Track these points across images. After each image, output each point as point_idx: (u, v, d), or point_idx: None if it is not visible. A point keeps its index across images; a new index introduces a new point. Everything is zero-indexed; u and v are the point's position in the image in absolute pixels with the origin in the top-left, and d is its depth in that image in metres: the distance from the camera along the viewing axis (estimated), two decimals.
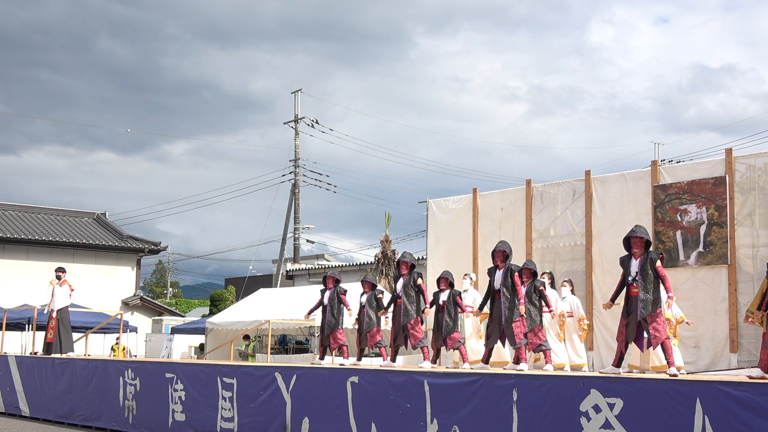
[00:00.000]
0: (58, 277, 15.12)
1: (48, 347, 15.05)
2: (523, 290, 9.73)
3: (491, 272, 9.85)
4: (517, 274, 9.64)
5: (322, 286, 11.65)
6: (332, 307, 11.21)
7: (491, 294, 9.81)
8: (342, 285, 11.45)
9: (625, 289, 8.21)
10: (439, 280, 10.63)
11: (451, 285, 10.55)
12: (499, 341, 9.91)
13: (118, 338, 25.90)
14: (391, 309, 10.72)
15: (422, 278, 10.62)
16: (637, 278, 7.95)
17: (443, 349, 10.68)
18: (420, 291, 10.41)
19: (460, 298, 10.53)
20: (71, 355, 14.96)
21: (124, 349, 25.26)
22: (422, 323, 10.57)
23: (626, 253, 8.24)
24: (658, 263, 7.93)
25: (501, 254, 9.73)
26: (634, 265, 8.04)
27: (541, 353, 9.94)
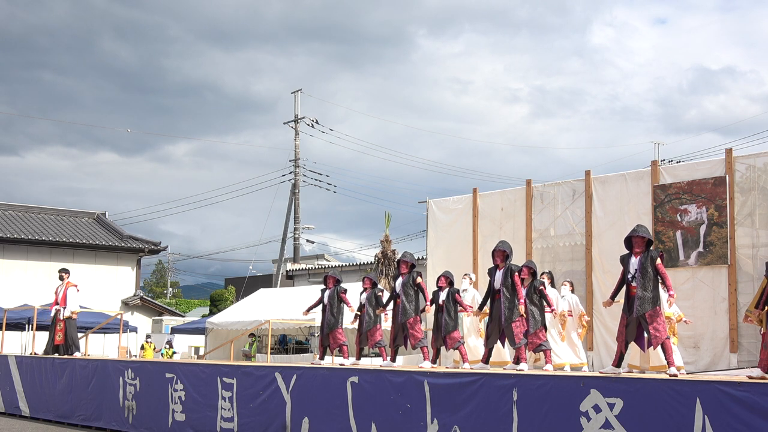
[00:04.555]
0: (61, 278, 15.05)
1: (56, 349, 14.93)
2: (523, 290, 9.72)
3: (491, 272, 9.85)
4: (517, 274, 9.63)
5: (323, 286, 11.66)
6: (332, 306, 11.20)
7: (491, 294, 9.81)
8: (342, 285, 11.45)
9: (625, 287, 8.20)
10: (438, 279, 10.63)
11: (450, 284, 10.54)
12: (498, 341, 9.92)
13: (148, 336, 26.17)
14: (390, 307, 10.72)
15: (422, 277, 10.61)
16: (636, 275, 7.94)
17: (443, 348, 10.68)
18: (420, 289, 10.40)
19: (459, 296, 10.51)
20: (77, 355, 14.92)
21: (155, 349, 25.52)
22: (421, 322, 10.56)
23: (627, 252, 8.24)
24: (658, 261, 7.93)
25: (501, 254, 9.73)
26: (634, 263, 8.03)
27: (541, 353, 9.93)
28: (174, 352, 25.75)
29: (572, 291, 12.65)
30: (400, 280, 10.43)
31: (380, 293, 11.14)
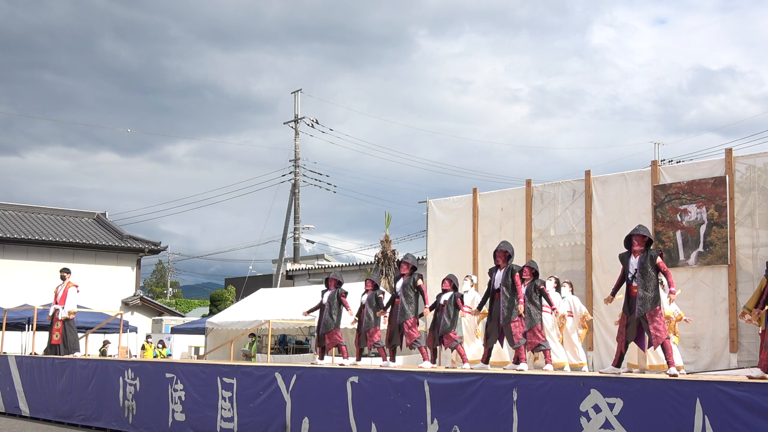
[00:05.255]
0: (63, 278, 15.03)
1: (53, 349, 14.92)
2: (523, 290, 9.72)
3: (492, 272, 9.85)
4: (517, 274, 9.63)
5: (324, 287, 11.66)
6: (330, 307, 11.22)
7: (491, 293, 9.81)
8: (344, 287, 11.46)
9: (625, 287, 8.20)
10: (443, 282, 10.64)
11: (454, 288, 10.55)
12: (498, 341, 9.91)
13: (148, 336, 26.21)
14: (389, 309, 10.72)
15: (422, 279, 10.61)
16: (636, 276, 7.94)
17: (442, 348, 10.68)
18: (420, 291, 10.41)
19: (461, 301, 10.51)
20: (77, 355, 14.91)
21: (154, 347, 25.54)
22: (418, 324, 10.56)
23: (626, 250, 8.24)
24: (659, 259, 7.93)
25: (503, 254, 9.73)
26: (633, 262, 8.04)
27: (541, 353, 9.93)
28: (169, 353, 25.74)
29: (572, 292, 12.63)
30: (400, 281, 10.44)
31: (381, 295, 11.15)
